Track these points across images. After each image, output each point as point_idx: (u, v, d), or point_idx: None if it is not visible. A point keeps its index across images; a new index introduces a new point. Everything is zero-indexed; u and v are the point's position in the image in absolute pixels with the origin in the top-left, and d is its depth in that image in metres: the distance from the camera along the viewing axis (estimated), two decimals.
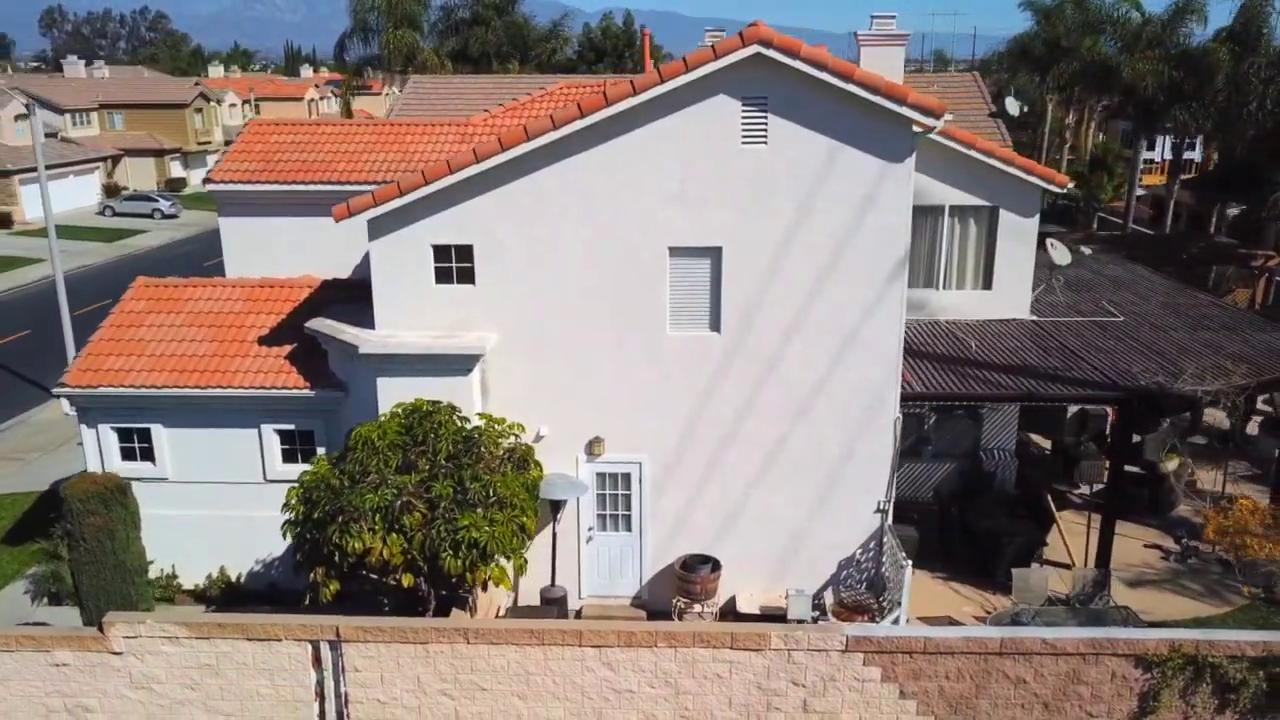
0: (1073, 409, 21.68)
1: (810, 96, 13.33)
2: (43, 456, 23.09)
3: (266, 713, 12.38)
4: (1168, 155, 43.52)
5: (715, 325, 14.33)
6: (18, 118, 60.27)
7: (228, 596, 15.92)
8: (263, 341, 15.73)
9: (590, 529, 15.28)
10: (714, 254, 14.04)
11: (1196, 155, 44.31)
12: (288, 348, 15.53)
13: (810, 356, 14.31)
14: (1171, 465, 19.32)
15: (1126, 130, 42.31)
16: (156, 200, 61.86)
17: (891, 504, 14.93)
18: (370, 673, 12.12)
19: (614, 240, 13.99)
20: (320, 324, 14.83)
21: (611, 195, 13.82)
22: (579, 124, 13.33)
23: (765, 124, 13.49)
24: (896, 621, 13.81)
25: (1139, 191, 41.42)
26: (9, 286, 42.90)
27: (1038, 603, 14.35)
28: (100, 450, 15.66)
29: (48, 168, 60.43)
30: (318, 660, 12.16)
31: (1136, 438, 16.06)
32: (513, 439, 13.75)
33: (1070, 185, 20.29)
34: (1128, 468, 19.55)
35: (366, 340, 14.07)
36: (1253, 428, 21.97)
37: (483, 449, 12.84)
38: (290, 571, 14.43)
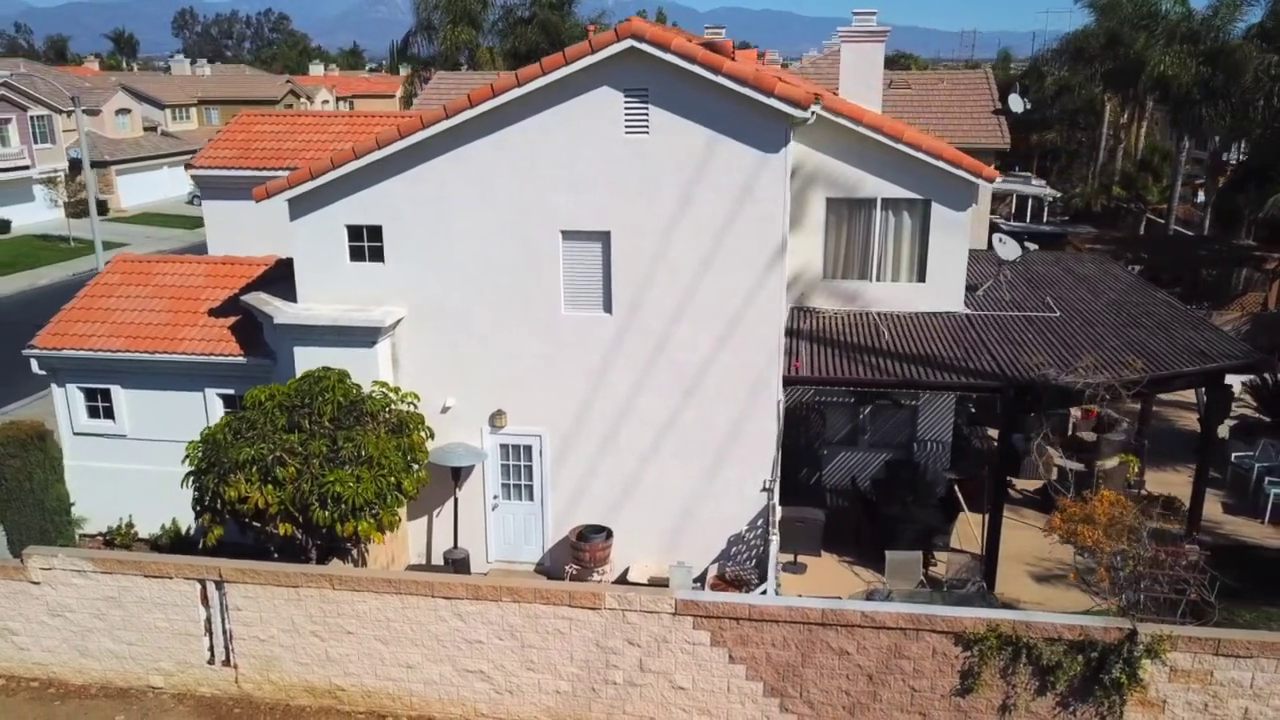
0: None
1: (688, 89, 13.95)
2: None
3: (163, 643, 13.69)
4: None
5: (607, 306, 15.06)
6: (118, 112, 64.46)
7: (176, 545, 17.37)
8: (212, 313, 17.13)
9: (495, 497, 16.19)
10: (604, 238, 14.79)
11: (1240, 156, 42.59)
12: (232, 319, 16.89)
13: (696, 338, 14.93)
14: (1111, 464, 19.21)
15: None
16: None
17: (777, 483, 15.40)
18: (250, 612, 13.30)
19: (510, 223, 14.87)
20: (253, 297, 16.13)
21: (506, 180, 14.70)
22: (470, 112, 14.26)
23: (647, 115, 14.16)
24: (764, 594, 14.32)
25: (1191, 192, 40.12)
26: (91, 268, 46.13)
27: (910, 584, 14.64)
28: (69, 408, 17.32)
29: (146, 159, 64.73)
30: (205, 599, 13.41)
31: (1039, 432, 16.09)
32: (407, 406, 14.75)
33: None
34: (1066, 463, 19.59)
35: (281, 311, 15.29)
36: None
37: (365, 413, 13.85)
38: (234, 524, 15.70)
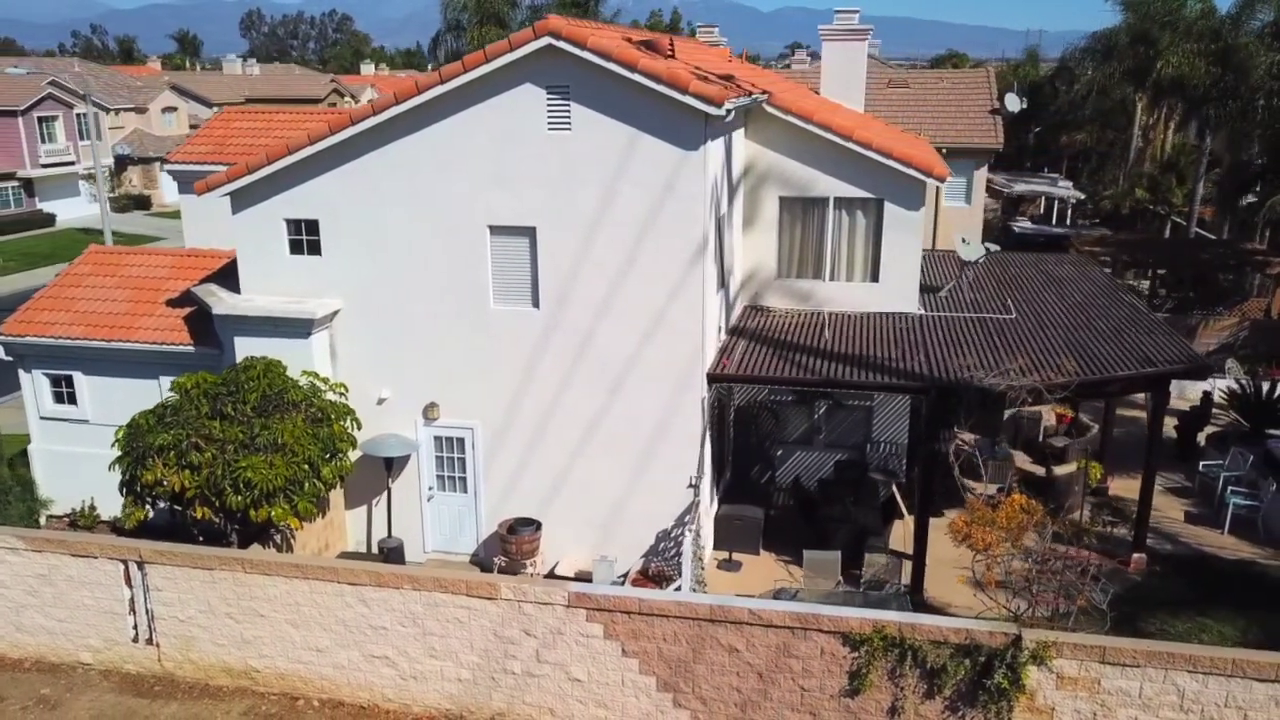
0: (1008, 413, 21.44)
1: (608, 86, 14.04)
2: None
3: (91, 621, 14.15)
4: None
5: (535, 301, 15.22)
6: (165, 110, 66.36)
7: (136, 529, 17.89)
8: (170, 304, 17.64)
9: (431, 488, 16.44)
10: (530, 233, 14.95)
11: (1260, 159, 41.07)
12: (187, 310, 17.37)
13: (621, 334, 15.01)
14: (1068, 469, 18.85)
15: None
16: None
17: (704, 480, 15.43)
18: (170, 593, 13.71)
19: (440, 218, 15.10)
20: (201, 288, 16.59)
21: (436, 176, 14.94)
22: (395, 109, 14.54)
23: (569, 112, 14.29)
24: (679, 589, 14.38)
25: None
26: None
27: (830, 584, 14.56)
28: (35, 393, 17.98)
29: None
30: (129, 579, 13.84)
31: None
32: (336, 397, 15.06)
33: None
34: (1026, 468, 19.30)
35: (222, 302, 15.71)
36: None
37: (289, 402, 14.17)
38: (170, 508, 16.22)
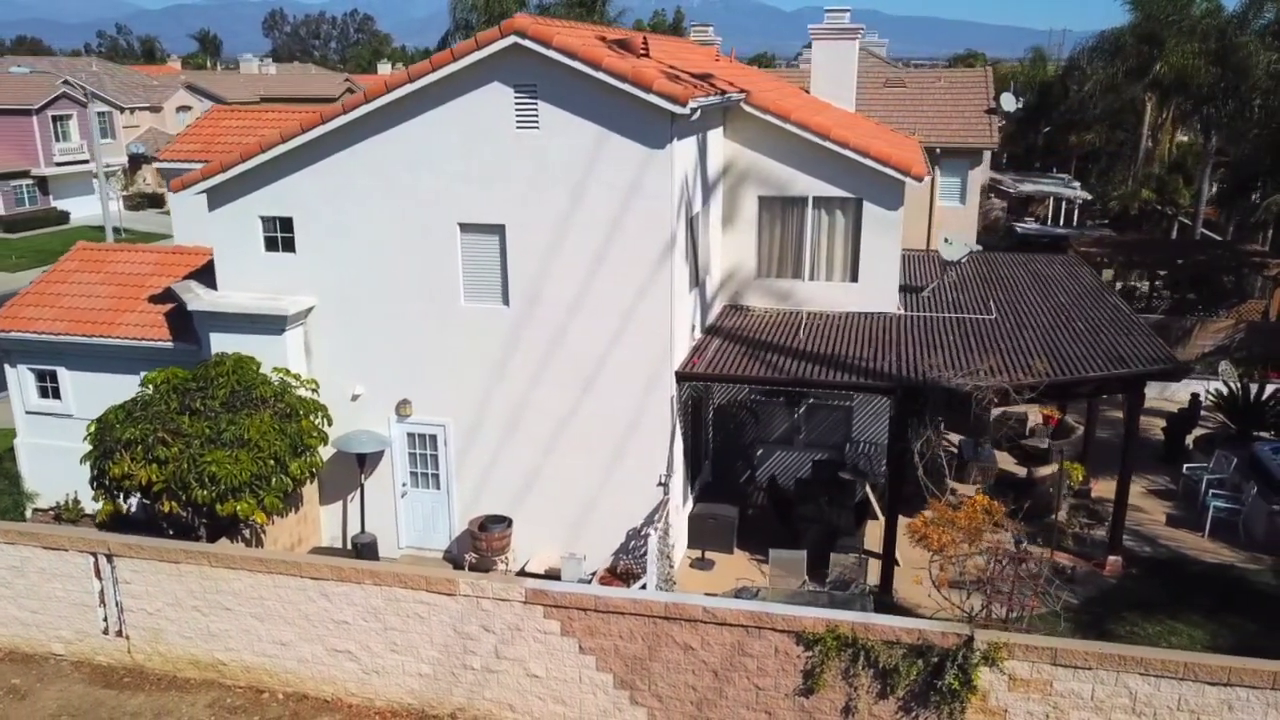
0: (995, 413, 21.37)
1: (575, 85, 14.07)
2: None
3: (63, 613, 14.33)
4: None
5: (505, 299, 15.28)
6: (179, 109, 66.95)
7: (117, 522, 18.09)
8: (152, 300, 17.81)
9: (404, 485, 16.54)
10: (500, 231, 15.00)
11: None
12: (168, 306, 17.53)
13: (591, 332, 15.04)
14: (1048, 470, 18.75)
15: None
16: None
17: (674, 478, 15.44)
18: (138, 586, 13.86)
19: (411, 215, 15.19)
20: (179, 285, 16.75)
21: (407, 174, 15.02)
22: (365, 107, 14.63)
23: (536, 110, 14.33)
24: (644, 587, 14.40)
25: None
26: None
27: (795, 583, 14.54)
28: (20, 388, 18.21)
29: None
30: (99, 571, 14.00)
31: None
32: (307, 393, 15.17)
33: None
34: (1009, 469, 19.21)
35: (198, 299, 15.86)
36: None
37: (258, 398, 14.29)
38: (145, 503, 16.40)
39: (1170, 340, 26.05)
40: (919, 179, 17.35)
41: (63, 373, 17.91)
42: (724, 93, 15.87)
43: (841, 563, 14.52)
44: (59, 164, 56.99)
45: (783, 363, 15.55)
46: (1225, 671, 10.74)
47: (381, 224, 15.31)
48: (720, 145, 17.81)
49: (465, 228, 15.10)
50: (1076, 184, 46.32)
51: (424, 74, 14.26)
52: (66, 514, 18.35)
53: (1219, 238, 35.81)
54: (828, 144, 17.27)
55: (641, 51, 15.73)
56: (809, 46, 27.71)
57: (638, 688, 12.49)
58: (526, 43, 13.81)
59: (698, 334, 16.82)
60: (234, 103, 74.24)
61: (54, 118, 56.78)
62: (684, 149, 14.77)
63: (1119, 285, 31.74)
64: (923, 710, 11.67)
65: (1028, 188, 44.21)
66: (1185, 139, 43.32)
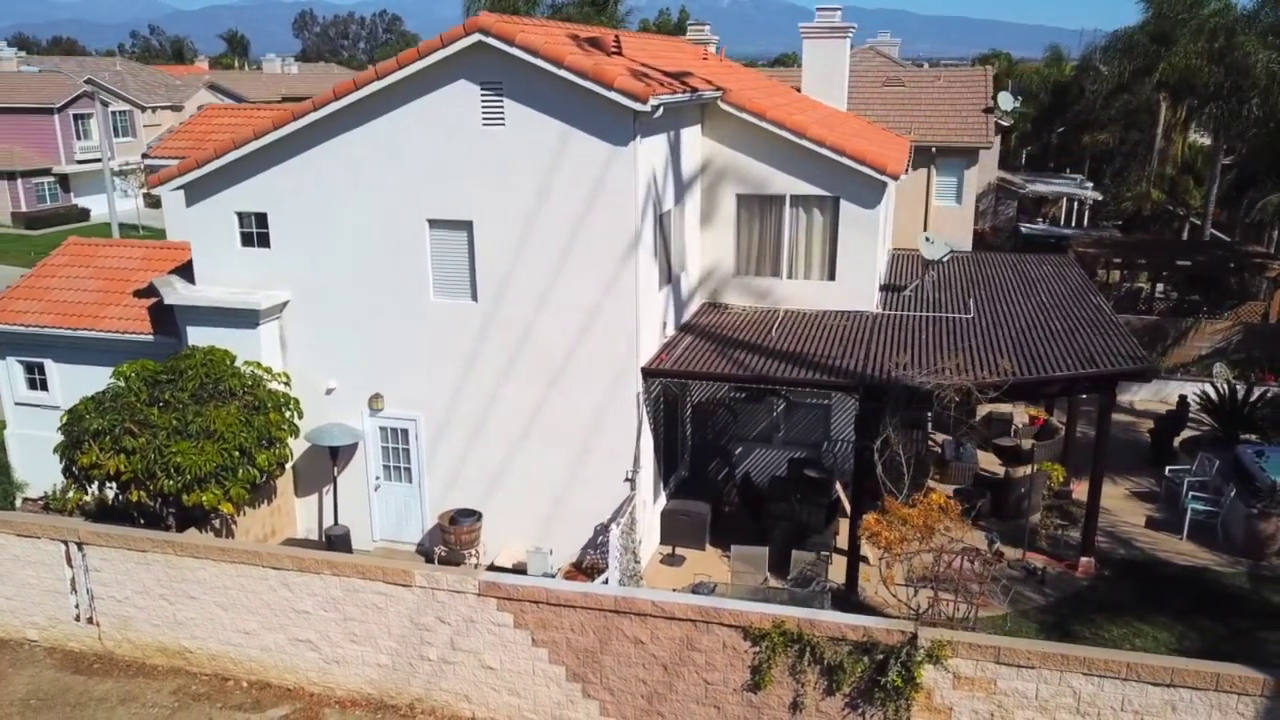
0: (981, 413, 21.27)
1: (540, 82, 14.17)
2: None
3: (36, 599, 14.60)
4: None
5: (474, 295, 15.40)
6: (200, 108, 67.67)
7: (102, 512, 18.41)
8: (137, 294, 18.10)
9: (378, 478, 16.71)
10: (467, 227, 15.13)
11: None
12: (152, 300, 17.81)
13: (558, 328, 15.14)
14: (1024, 471, 18.63)
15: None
16: None
17: (641, 474, 15.50)
18: (107, 574, 14.10)
19: (382, 212, 15.35)
20: (160, 279, 17.02)
21: (377, 170, 15.19)
22: (334, 105, 14.83)
23: (502, 107, 14.44)
24: (606, 583, 14.47)
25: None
26: None
27: (757, 579, 14.56)
28: (9, 379, 18.57)
29: None
30: (70, 559, 14.27)
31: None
32: (280, 386, 15.37)
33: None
34: (989, 469, 19.11)
35: (174, 293, 16.11)
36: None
37: (227, 391, 14.51)
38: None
39: (1167, 342, 25.83)
40: (894, 177, 17.32)
41: (50, 364, 18.25)
42: (695, 91, 15.91)
43: (803, 560, 14.52)
44: (80, 161, 57.84)
45: (752, 360, 15.57)
46: (1168, 672, 10.66)
47: (353, 220, 15.49)
48: (698, 143, 17.85)
49: (434, 224, 15.25)
50: (1089, 185, 45.89)
51: (391, 71, 14.42)
52: (54, 504, 18.66)
53: (1227, 239, 35.37)
54: (804, 142, 17.28)
55: (613, 50, 15.81)
56: None
57: (590, 680, 12.57)
58: (490, 40, 13.92)
59: (671, 331, 16.87)
60: (255, 102, 75.07)
61: (75, 116, 57.65)
62: (650, 146, 14.83)
63: (1125, 286, 31.45)
64: (869, 707, 11.66)
65: (1040, 188, 43.84)
66: (1200, 140, 42.79)
